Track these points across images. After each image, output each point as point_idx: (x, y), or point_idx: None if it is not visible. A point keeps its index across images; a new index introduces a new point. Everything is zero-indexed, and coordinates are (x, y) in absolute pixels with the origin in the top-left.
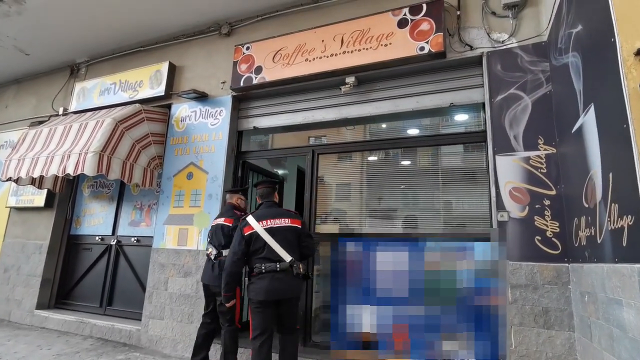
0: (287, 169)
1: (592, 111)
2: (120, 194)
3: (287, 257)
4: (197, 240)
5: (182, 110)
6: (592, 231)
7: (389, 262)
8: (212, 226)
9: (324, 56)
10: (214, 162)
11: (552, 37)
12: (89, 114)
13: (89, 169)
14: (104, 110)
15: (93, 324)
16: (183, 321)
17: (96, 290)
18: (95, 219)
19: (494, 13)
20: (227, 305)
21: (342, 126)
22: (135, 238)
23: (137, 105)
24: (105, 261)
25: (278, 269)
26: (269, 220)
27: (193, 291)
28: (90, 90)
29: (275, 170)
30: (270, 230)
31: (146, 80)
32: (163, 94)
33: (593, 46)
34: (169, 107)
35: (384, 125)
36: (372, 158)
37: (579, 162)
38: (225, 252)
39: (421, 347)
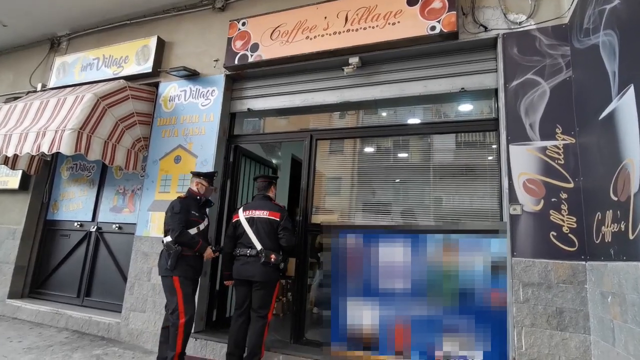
0: (281, 157)
1: (631, 92)
2: (101, 177)
3: (258, 246)
4: None
5: (171, 89)
6: (622, 226)
7: (392, 255)
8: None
9: (327, 34)
10: (204, 146)
11: (576, 19)
12: (68, 89)
13: (66, 148)
14: (85, 86)
15: (69, 316)
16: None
17: (73, 279)
18: (74, 204)
19: None
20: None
21: (343, 110)
22: (117, 225)
23: (121, 81)
24: (84, 249)
25: (248, 254)
26: (251, 211)
27: None
28: (71, 66)
29: (268, 157)
30: (250, 220)
31: (132, 56)
32: (150, 70)
33: (635, 21)
34: (156, 85)
35: (385, 113)
36: (372, 146)
37: (607, 152)
38: (165, 240)
39: (422, 348)
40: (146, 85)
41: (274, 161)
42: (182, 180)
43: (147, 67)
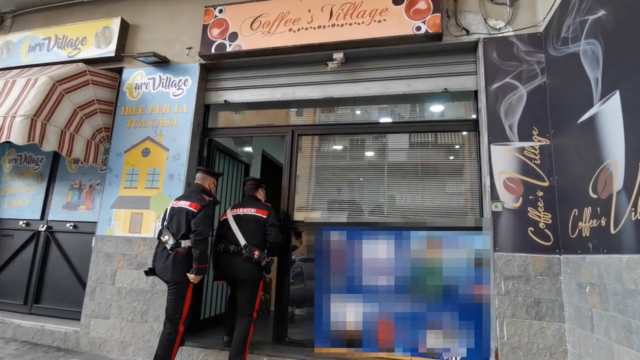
0: (253, 152)
1: (616, 98)
2: (52, 171)
3: (242, 241)
4: (154, 227)
5: (138, 76)
6: (603, 222)
7: (376, 252)
8: (173, 208)
9: (311, 27)
10: (177, 138)
11: (553, 28)
12: (15, 71)
13: (17, 137)
14: (35, 69)
15: (17, 325)
16: (135, 320)
17: (19, 285)
18: (19, 200)
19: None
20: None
21: (326, 106)
22: (72, 224)
23: (80, 64)
24: (31, 250)
25: (231, 251)
26: (238, 209)
27: (148, 285)
28: (17, 45)
29: (239, 152)
30: (236, 217)
31: (91, 37)
32: (113, 55)
33: (621, 31)
34: (119, 71)
35: (366, 110)
36: (351, 143)
37: (585, 153)
38: (184, 243)
39: (406, 343)
40: (108, 70)
41: (244, 156)
42: (151, 175)
43: (109, 50)
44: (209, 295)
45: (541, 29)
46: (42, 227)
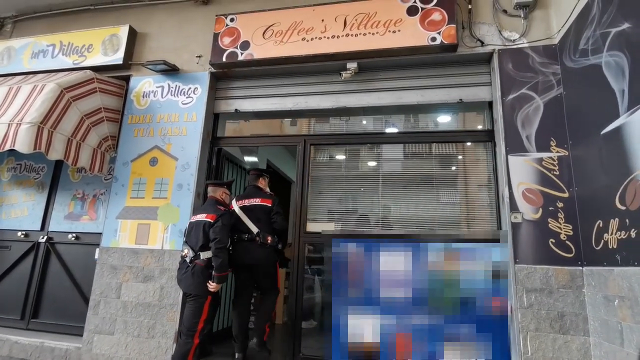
0: (258, 162)
1: None
2: (53, 180)
3: (255, 229)
4: (162, 238)
5: (146, 84)
6: (633, 234)
7: (393, 264)
8: (191, 223)
9: (324, 37)
10: (186, 147)
11: (570, 40)
12: (18, 77)
13: (23, 145)
14: (39, 75)
15: (13, 342)
16: (141, 336)
17: (16, 299)
18: (17, 210)
19: (504, 11)
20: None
21: (338, 116)
22: (74, 235)
23: (88, 71)
24: (29, 262)
25: (245, 239)
26: (243, 200)
27: (156, 299)
28: (19, 52)
29: (246, 158)
30: (243, 208)
31: (98, 45)
32: (121, 62)
33: None
34: (126, 79)
35: (376, 120)
36: (364, 153)
37: (611, 164)
38: (202, 255)
39: (424, 355)
40: (115, 78)
41: (247, 167)
42: (159, 185)
43: (117, 58)
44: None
45: (556, 40)
46: (42, 238)
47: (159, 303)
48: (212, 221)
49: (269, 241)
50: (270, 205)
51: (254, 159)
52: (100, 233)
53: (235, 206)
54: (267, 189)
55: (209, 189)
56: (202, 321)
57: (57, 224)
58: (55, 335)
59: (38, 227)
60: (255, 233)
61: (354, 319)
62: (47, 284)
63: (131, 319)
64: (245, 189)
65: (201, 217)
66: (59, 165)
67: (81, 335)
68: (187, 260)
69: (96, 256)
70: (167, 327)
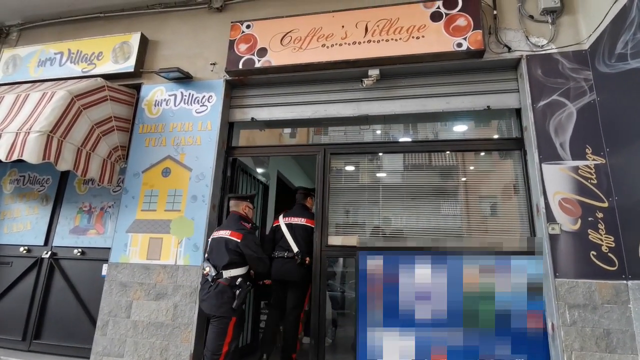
0: (269, 174)
1: None
2: (58, 192)
3: (295, 248)
4: (176, 253)
5: (158, 92)
6: None
7: (426, 278)
8: (213, 239)
9: (345, 44)
10: (200, 157)
11: (603, 44)
12: (25, 85)
13: (31, 155)
14: (48, 83)
15: None
16: (153, 358)
17: (18, 318)
18: (20, 224)
19: (531, 17)
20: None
21: (358, 124)
22: (80, 250)
23: (99, 79)
24: (32, 279)
25: (285, 256)
26: (290, 218)
27: (169, 318)
28: (25, 60)
29: (258, 169)
30: (289, 226)
31: (108, 52)
32: (132, 70)
33: None
34: (137, 87)
35: (400, 129)
36: (390, 162)
37: None
38: (225, 274)
39: None
40: (126, 86)
41: (261, 178)
42: (172, 197)
43: (128, 66)
44: None
45: (586, 46)
46: (46, 253)
47: (173, 323)
48: (237, 240)
49: (307, 261)
50: (313, 226)
51: (264, 170)
52: (109, 248)
53: (281, 222)
54: (312, 208)
55: (231, 202)
56: (226, 344)
57: (61, 238)
58: (60, 357)
59: (41, 242)
60: (295, 252)
61: (387, 340)
62: (51, 302)
63: (142, 340)
64: (294, 206)
65: (224, 234)
66: (64, 176)
67: (88, 358)
68: (209, 279)
69: (104, 272)
70: (181, 348)
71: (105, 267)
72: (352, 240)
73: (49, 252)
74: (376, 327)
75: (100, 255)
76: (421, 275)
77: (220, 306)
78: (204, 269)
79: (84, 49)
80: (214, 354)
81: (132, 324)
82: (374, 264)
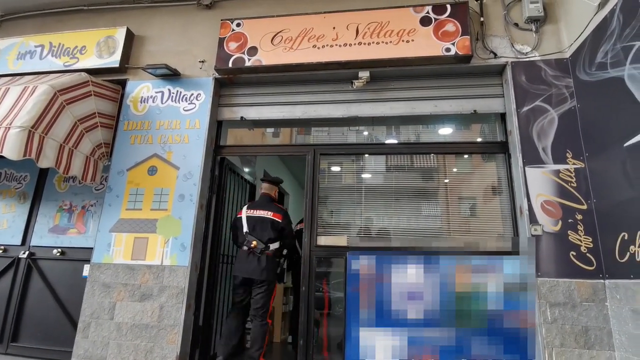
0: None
1: None
2: (37, 190)
3: (254, 242)
4: (162, 253)
5: (144, 89)
6: None
7: (415, 281)
8: (252, 217)
9: (336, 45)
10: (188, 156)
11: (584, 53)
12: (5, 79)
13: (11, 151)
14: (28, 77)
15: None
16: None
17: None
18: None
19: (516, 24)
20: None
21: (347, 125)
22: (59, 250)
23: (83, 74)
24: (9, 280)
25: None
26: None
27: (154, 320)
28: (4, 52)
29: (245, 169)
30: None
31: (91, 46)
32: (117, 66)
33: None
34: (122, 83)
35: (386, 131)
36: (377, 164)
37: (637, 176)
38: (272, 246)
39: None
40: (110, 82)
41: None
42: (158, 196)
43: (112, 61)
44: (219, 325)
45: (567, 54)
46: (23, 253)
47: (158, 324)
48: (279, 220)
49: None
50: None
51: (251, 169)
52: (90, 248)
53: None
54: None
55: (265, 185)
56: (271, 303)
57: (40, 238)
58: None
59: (18, 242)
60: (252, 245)
61: (374, 335)
62: (29, 304)
63: (126, 342)
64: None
65: (264, 213)
66: (43, 174)
67: None
68: (257, 251)
69: (85, 273)
70: (166, 350)
71: (87, 267)
72: (341, 241)
73: (27, 252)
74: (365, 327)
75: (81, 256)
76: (412, 275)
77: (269, 272)
78: (250, 242)
79: (66, 42)
80: (264, 312)
81: (116, 326)
82: (363, 264)
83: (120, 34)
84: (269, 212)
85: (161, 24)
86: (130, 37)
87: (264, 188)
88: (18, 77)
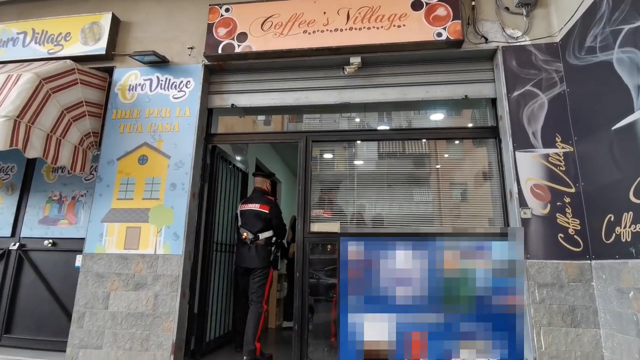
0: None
1: None
2: (25, 181)
3: (244, 234)
4: (155, 242)
5: (132, 76)
6: None
7: (407, 263)
8: (244, 211)
9: (327, 30)
10: (179, 145)
11: (574, 38)
12: None
13: None
14: (11, 65)
15: None
16: (133, 349)
17: None
18: None
19: (507, 9)
20: None
21: (340, 112)
22: (50, 241)
23: (68, 61)
24: None
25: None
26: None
27: (149, 308)
28: None
29: (237, 157)
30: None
31: (76, 33)
32: (104, 53)
33: None
34: (109, 70)
35: (379, 117)
36: (369, 148)
37: (625, 158)
38: (262, 236)
39: (439, 354)
40: (97, 69)
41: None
42: (150, 185)
43: (99, 48)
44: (213, 313)
45: (557, 39)
46: (14, 245)
47: (153, 312)
48: (266, 211)
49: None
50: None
51: (243, 157)
52: (82, 238)
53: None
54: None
55: (257, 179)
56: (267, 289)
57: (30, 229)
58: (33, 351)
59: (8, 234)
60: (243, 237)
61: (368, 320)
62: (21, 295)
63: (121, 331)
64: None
65: (254, 206)
66: (31, 164)
67: (64, 351)
68: (248, 241)
69: (78, 263)
70: (162, 338)
71: (79, 258)
72: (334, 227)
73: (17, 244)
74: (358, 312)
75: (73, 246)
76: (402, 259)
77: (262, 260)
78: (242, 234)
79: (49, 29)
80: (260, 297)
81: (111, 315)
82: (355, 249)
83: (105, 20)
84: (257, 205)
85: (147, 9)
86: (116, 23)
87: (256, 182)
88: (1, 65)
